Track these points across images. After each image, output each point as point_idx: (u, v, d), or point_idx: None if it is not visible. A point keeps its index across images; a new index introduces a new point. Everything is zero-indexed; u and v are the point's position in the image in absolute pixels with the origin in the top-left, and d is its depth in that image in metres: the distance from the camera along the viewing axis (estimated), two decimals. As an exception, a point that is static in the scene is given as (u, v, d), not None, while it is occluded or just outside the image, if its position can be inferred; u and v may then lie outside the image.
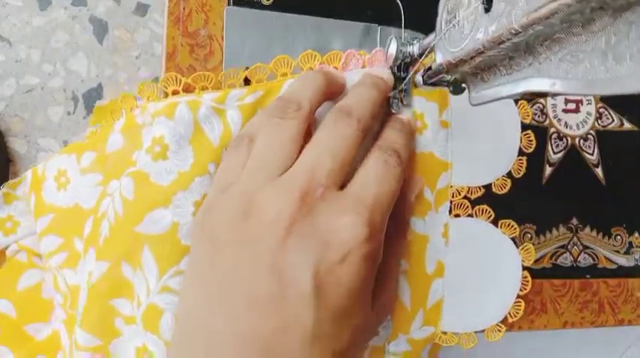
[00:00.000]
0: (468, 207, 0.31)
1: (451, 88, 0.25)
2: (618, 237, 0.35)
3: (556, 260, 0.34)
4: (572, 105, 0.35)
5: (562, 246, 0.34)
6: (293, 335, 0.21)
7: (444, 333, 0.30)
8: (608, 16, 0.14)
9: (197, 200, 0.26)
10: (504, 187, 0.31)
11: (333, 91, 0.27)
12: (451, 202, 0.30)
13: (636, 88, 0.14)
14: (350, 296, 0.21)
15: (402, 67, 0.29)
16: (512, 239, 0.32)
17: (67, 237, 0.29)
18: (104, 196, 0.28)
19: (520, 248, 0.32)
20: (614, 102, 0.36)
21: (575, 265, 0.35)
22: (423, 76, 0.26)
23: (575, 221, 0.35)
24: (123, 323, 0.27)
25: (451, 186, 0.30)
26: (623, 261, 0.35)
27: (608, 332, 0.39)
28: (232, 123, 0.27)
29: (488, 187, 0.31)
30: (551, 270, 0.34)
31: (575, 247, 0.35)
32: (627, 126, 0.36)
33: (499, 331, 0.31)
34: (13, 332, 0.30)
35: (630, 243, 0.36)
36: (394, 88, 0.29)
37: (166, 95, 0.28)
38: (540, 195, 0.34)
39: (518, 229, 0.32)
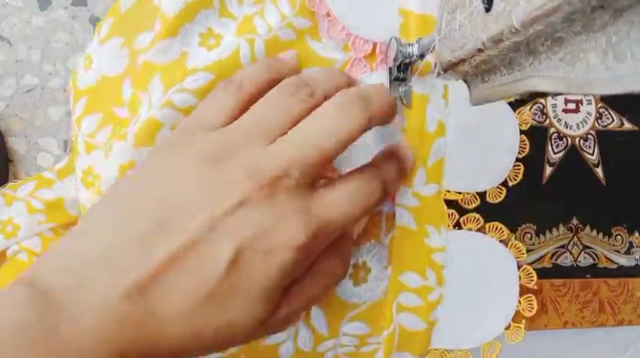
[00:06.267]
0: (455, 216, 0.31)
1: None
2: (618, 237, 0.35)
3: (556, 260, 0.34)
4: (572, 105, 0.35)
5: (562, 246, 0.34)
6: (179, 292, 0.20)
7: (448, 191, 0.30)
8: (609, 16, 0.14)
9: (202, 32, 0.28)
10: (499, 196, 0.32)
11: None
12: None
13: (637, 88, 0.14)
14: (250, 289, 0.21)
15: (402, 67, 0.29)
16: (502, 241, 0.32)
17: (106, 109, 0.30)
18: (136, 55, 0.29)
19: (508, 246, 0.32)
20: (614, 102, 0.36)
21: (575, 265, 0.35)
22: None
23: (575, 221, 0.35)
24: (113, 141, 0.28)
25: (447, 192, 0.31)
26: (623, 260, 0.35)
27: (608, 332, 0.39)
28: None
29: (482, 195, 0.32)
30: (551, 270, 0.34)
31: (576, 247, 0.35)
32: (627, 126, 0.36)
33: (518, 332, 0.31)
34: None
35: (631, 243, 0.36)
36: (395, 87, 0.29)
37: None
38: (540, 195, 0.34)
39: (505, 231, 0.32)
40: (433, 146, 0.30)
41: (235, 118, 0.24)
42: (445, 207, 0.30)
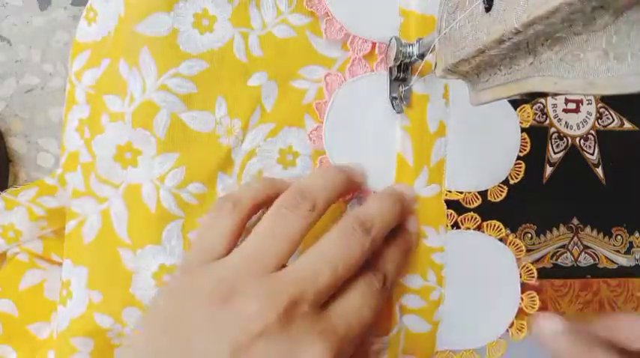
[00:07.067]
0: (454, 216, 0.31)
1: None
2: (619, 237, 0.35)
3: (556, 260, 0.34)
4: (572, 105, 0.35)
5: (562, 246, 0.34)
6: None
7: (449, 191, 0.30)
8: (609, 15, 0.14)
9: (197, 12, 0.28)
10: (500, 194, 0.32)
11: (349, 192, 0.28)
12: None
13: (637, 88, 0.14)
14: None
15: (402, 67, 0.29)
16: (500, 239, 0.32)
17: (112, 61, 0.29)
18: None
19: (507, 243, 0.32)
20: (614, 102, 0.36)
21: (575, 265, 0.35)
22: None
23: (575, 221, 0.35)
24: (107, 120, 0.28)
25: (449, 192, 0.31)
26: (623, 260, 0.35)
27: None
28: None
29: (483, 194, 0.31)
30: (551, 270, 0.34)
31: (576, 247, 0.35)
32: (628, 125, 0.36)
33: (522, 328, 0.31)
34: (16, 331, 0.30)
35: (631, 243, 0.36)
36: (395, 87, 0.29)
37: None
38: (540, 195, 0.34)
39: (504, 230, 0.32)
40: (434, 146, 0.30)
41: (236, 239, 0.24)
42: (445, 207, 0.30)
